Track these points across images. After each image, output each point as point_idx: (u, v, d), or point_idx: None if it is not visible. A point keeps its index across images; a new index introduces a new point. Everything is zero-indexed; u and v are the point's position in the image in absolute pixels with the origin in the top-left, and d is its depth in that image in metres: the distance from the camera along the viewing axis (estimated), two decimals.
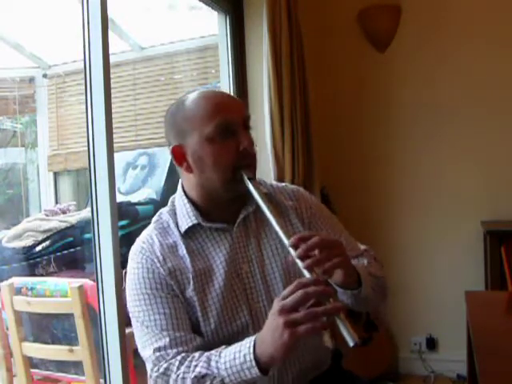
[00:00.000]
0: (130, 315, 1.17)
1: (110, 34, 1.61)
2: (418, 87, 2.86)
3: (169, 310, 1.11)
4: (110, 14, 1.61)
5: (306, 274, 0.99)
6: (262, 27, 2.25)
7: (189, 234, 1.18)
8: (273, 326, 0.95)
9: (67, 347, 1.99)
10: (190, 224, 1.17)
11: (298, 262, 1.00)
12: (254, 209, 1.19)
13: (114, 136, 1.60)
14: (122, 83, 3.25)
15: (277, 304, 0.96)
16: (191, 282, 1.13)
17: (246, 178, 1.12)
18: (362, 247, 1.32)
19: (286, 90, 2.24)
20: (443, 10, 2.80)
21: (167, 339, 1.08)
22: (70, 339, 2.03)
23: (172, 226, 1.20)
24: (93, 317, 1.87)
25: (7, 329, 2.11)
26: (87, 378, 1.94)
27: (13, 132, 3.45)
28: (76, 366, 2.03)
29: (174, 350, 1.08)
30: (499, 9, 2.71)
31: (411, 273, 2.90)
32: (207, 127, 1.11)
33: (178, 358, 1.06)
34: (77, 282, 1.98)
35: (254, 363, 0.97)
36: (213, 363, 1.02)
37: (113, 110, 1.60)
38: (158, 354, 1.08)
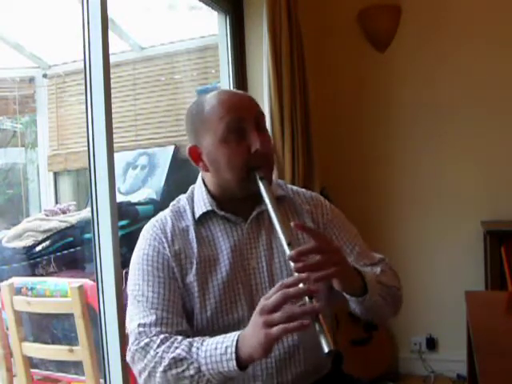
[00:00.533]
0: (127, 287, 1.19)
1: (110, 33, 1.61)
2: (417, 87, 2.86)
3: (163, 291, 1.13)
4: (110, 14, 1.62)
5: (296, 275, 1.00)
6: (262, 27, 2.25)
7: (202, 221, 1.21)
8: (253, 325, 0.97)
9: (67, 347, 1.99)
10: (205, 210, 1.20)
11: (291, 263, 1.01)
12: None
13: (114, 136, 1.60)
14: (122, 83, 3.25)
15: (260, 303, 0.98)
16: (194, 267, 1.15)
17: (257, 177, 1.14)
18: (378, 256, 1.32)
19: (285, 90, 2.24)
20: (443, 10, 2.80)
21: (154, 317, 1.10)
22: (70, 339, 2.03)
23: (188, 211, 1.23)
24: (93, 317, 1.87)
25: (7, 329, 2.11)
26: (87, 378, 1.94)
27: (13, 132, 3.45)
28: (76, 366, 2.03)
29: (158, 329, 1.09)
30: (499, 9, 2.71)
31: (411, 273, 2.90)
32: (219, 128, 1.15)
33: (161, 336, 1.08)
34: (77, 281, 1.98)
35: (233, 356, 0.98)
36: (194, 349, 1.03)
37: (113, 110, 1.60)
38: (141, 329, 1.10)
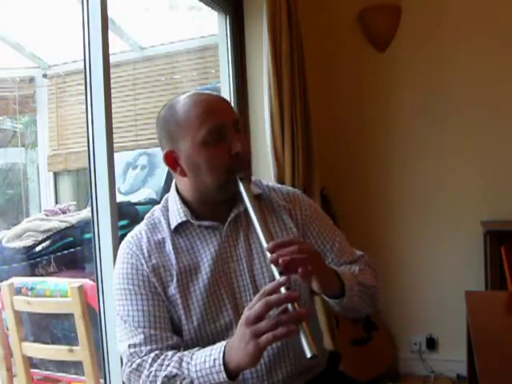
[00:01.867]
0: (114, 305, 1.19)
1: (110, 34, 1.61)
2: (417, 87, 2.86)
3: (147, 308, 1.13)
4: (110, 14, 1.62)
5: (277, 277, 1.00)
6: (262, 27, 2.25)
7: (178, 231, 1.19)
8: (239, 336, 0.97)
9: (67, 347, 1.99)
10: (180, 221, 1.18)
11: (272, 266, 1.01)
12: (245, 208, 1.19)
13: (114, 136, 1.60)
14: (122, 83, 3.25)
15: (244, 313, 0.98)
16: (174, 279, 1.14)
17: (238, 178, 1.14)
18: (358, 253, 1.32)
19: (285, 90, 2.24)
20: (443, 10, 2.80)
21: (142, 336, 1.10)
22: (70, 339, 2.03)
23: (163, 222, 1.21)
24: (93, 317, 1.87)
25: (7, 329, 2.11)
26: (87, 378, 1.94)
27: (13, 132, 3.45)
28: (76, 366, 2.03)
29: (148, 348, 1.10)
30: (499, 9, 2.71)
31: (411, 273, 2.90)
32: (200, 132, 1.12)
33: (152, 355, 1.08)
34: (77, 281, 1.98)
35: (222, 368, 0.99)
36: (184, 364, 1.04)
37: (113, 110, 1.60)
38: (132, 350, 1.11)
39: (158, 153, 3.06)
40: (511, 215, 2.70)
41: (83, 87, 1.60)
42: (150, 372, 1.06)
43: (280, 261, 0.99)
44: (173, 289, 1.14)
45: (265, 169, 2.30)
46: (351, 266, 1.25)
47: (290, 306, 0.96)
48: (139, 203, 2.63)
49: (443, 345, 2.90)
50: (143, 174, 3.01)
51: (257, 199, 1.19)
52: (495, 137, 2.75)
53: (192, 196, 1.20)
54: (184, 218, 1.18)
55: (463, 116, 2.78)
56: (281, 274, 1.00)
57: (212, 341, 1.11)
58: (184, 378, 1.03)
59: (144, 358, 1.09)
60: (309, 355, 0.91)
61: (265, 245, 1.04)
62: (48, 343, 2.09)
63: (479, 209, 2.77)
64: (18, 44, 3.17)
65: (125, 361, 1.12)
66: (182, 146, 1.14)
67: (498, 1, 2.72)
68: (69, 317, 1.98)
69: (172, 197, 1.24)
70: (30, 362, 2.10)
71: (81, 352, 1.93)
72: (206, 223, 1.19)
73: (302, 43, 2.36)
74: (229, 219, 1.20)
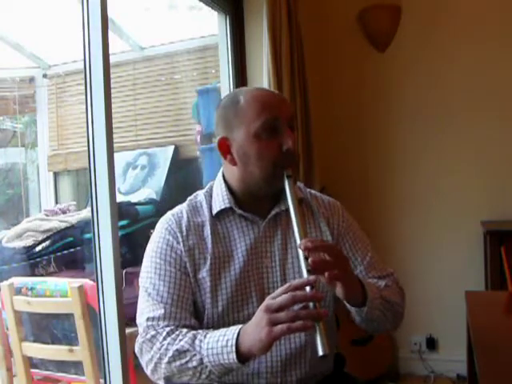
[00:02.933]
0: (140, 279, 1.21)
1: (110, 33, 1.61)
2: (417, 87, 2.86)
3: (173, 285, 1.15)
4: (110, 14, 1.61)
5: (305, 274, 1.01)
6: (262, 27, 2.25)
7: (219, 217, 1.22)
8: (256, 321, 0.99)
9: (67, 347, 1.99)
10: (223, 206, 1.21)
11: (301, 263, 1.03)
12: (287, 208, 1.21)
13: (114, 136, 1.60)
14: (122, 83, 3.25)
15: (266, 301, 0.99)
16: (207, 263, 1.17)
17: (285, 174, 1.16)
18: (388, 270, 1.33)
19: (286, 90, 2.24)
20: (443, 10, 2.80)
21: (162, 311, 1.12)
22: (70, 339, 2.03)
23: (204, 206, 1.24)
24: (93, 317, 1.87)
25: (7, 329, 2.11)
26: (87, 378, 1.94)
27: (13, 132, 3.45)
28: (76, 366, 2.03)
29: (165, 323, 1.12)
30: (499, 8, 2.71)
31: (411, 273, 2.90)
32: (254, 124, 1.15)
33: (167, 329, 1.10)
34: (77, 281, 1.98)
35: (233, 349, 1.00)
36: (197, 341, 1.06)
37: (113, 110, 1.60)
38: (150, 322, 1.12)
39: (158, 153, 3.06)
40: (511, 215, 2.70)
41: (83, 87, 1.60)
42: (162, 345, 1.08)
43: (310, 261, 1.01)
44: (204, 272, 1.16)
45: None
46: (378, 280, 1.27)
47: (311, 304, 0.97)
48: (139, 203, 2.63)
49: (443, 345, 2.90)
50: (143, 174, 3.01)
51: (298, 202, 1.20)
52: (495, 137, 2.75)
53: (238, 186, 1.22)
54: (228, 205, 1.21)
55: (463, 116, 2.79)
56: (308, 271, 1.01)
57: None
58: (194, 355, 1.04)
59: (159, 330, 1.10)
60: (321, 353, 0.93)
61: (298, 241, 1.06)
62: (48, 343, 2.09)
63: (479, 209, 2.77)
64: (18, 44, 3.17)
65: (140, 331, 1.14)
66: (235, 135, 1.18)
67: (499, 1, 2.72)
68: (69, 317, 1.97)
69: (218, 183, 1.26)
70: (30, 362, 2.10)
71: (81, 352, 1.93)
72: (247, 214, 1.22)
73: (301, 43, 2.36)
74: (269, 215, 1.22)
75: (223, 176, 1.26)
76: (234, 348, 1.00)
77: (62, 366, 2.10)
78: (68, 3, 2.86)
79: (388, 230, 2.94)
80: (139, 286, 1.21)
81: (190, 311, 1.16)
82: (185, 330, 1.10)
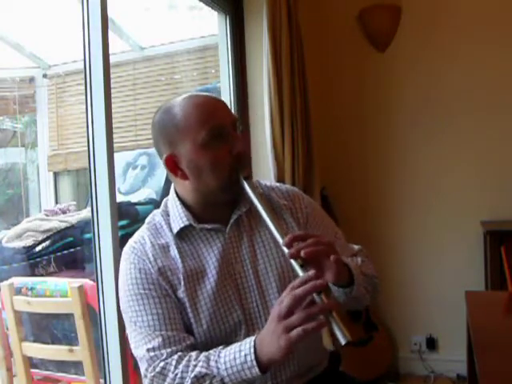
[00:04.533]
0: (123, 315, 1.18)
1: (110, 33, 1.61)
2: (417, 87, 2.86)
3: (161, 310, 1.12)
4: (110, 14, 1.61)
5: (299, 272, 1.01)
6: (262, 27, 2.25)
7: (181, 235, 1.19)
8: (271, 330, 0.98)
9: (67, 347, 1.99)
10: (182, 225, 1.18)
11: (292, 261, 1.02)
12: (247, 209, 1.21)
13: (114, 136, 1.60)
14: (122, 83, 3.25)
15: (274, 308, 0.99)
16: (182, 283, 1.14)
17: (241, 178, 1.14)
18: (356, 247, 1.33)
19: (285, 90, 2.24)
20: (443, 10, 2.80)
21: (160, 339, 1.10)
22: (70, 339, 2.03)
23: (165, 226, 1.20)
24: (93, 317, 1.87)
25: (7, 329, 2.11)
26: (87, 378, 1.94)
27: (13, 132, 3.45)
28: (76, 366, 2.03)
29: (168, 350, 1.09)
30: (499, 8, 2.71)
31: (411, 273, 2.90)
32: (200, 134, 1.12)
33: (175, 357, 1.07)
34: (77, 281, 1.98)
35: (255, 363, 0.99)
36: (212, 363, 1.04)
37: (113, 110, 1.60)
38: (152, 353, 1.09)
39: None
40: (511, 215, 2.70)
41: (83, 87, 1.60)
42: (176, 374, 1.05)
43: (302, 253, 1.00)
44: (181, 292, 1.14)
45: (265, 169, 2.30)
46: (353, 258, 1.26)
47: (317, 298, 0.97)
48: (139, 203, 2.63)
49: (443, 345, 2.90)
50: (143, 174, 3.01)
51: (263, 197, 1.19)
52: (496, 137, 2.75)
53: (193, 199, 1.19)
54: (186, 223, 1.18)
55: (463, 115, 2.78)
56: (302, 266, 1.01)
57: (222, 341, 1.11)
58: (214, 377, 1.03)
59: (167, 360, 1.07)
60: (343, 342, 0.92)
61: (280, 240, 1.05)
62: (48, 343, 2.09)
63: (479, 209, 2.77)
64: (18, 44, 3.17)
65: (145, 366, 1.10)
66: (181, 150, 1.14)
67: (499, 1, 2.72)
68: (69, 317, 1.97)
69: (172, 201, 1.22)
70: (30, 362, 2.10)
71: (81, 352, 1.93)
72: (209, 226, 1.19)
73: (301, 43, 2.36)
74: (231, 221, 1.20)
75: (176, 193, 1.22)
76: (254, 362, 1.00)
77: (61, 366, 2.11)
78: (68, 3, 2.86)
79: (388, 229, 2.94)
80: (124, 320, 1.18)
81: (185, 330, 1.14)
82: (194, 354, 1.07)
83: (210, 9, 2.45)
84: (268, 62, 2.22)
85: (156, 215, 1.24)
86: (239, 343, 1.04)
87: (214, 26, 2.54)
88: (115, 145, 1.60)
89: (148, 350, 1.10)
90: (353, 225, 2.67)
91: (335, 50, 2.98)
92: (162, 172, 2.95)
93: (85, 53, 1.57)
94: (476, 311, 1.57)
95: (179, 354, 1.08)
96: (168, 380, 1.06)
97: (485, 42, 2.73)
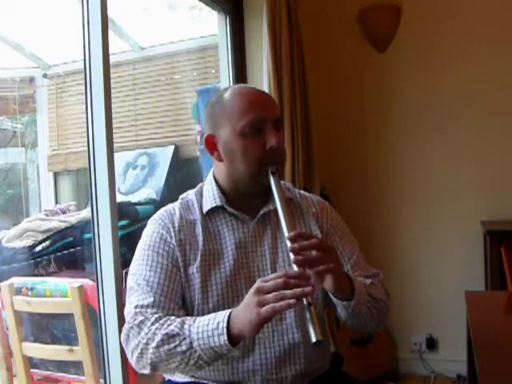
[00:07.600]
0: (128, 277, 1.21)
1: (110, 33, 1.61)
2: (417, 87, 2.86)
3: (164, 276, 1.16)
4: (110, 14, 1.62)
5: (295, 268, 1.03)
6: (262, 27, 2.25)
7: (209, 216, 1.24)
8: (246, 303, 1.01)
9: (67, 347, 1.99)
10: (214, 205, 1.23)
11: (291, 254, 1.05)
12: (275, 207, 1.21)
13: (114, 136, 1.60)
14: (122, 83, 3.25)
15: (257, 283, 1.01)
16: (198, 259, 1.18)
17: (269, 172, 1.17)
18: (373, 270, 1.34)
19: (285, 90, 2.24)
20: (443, 10, 2.80)
21: (151, 299, 1.13)
22: (69, 339, 2.03)
23: (196, 205, 1.26)
24: (93, 317, 1.87)
25: (7, 329, 2.11)
26: (87, 378, 1.94)
27: (13, 132, 3.45)
28: (76, 366, 2.03)
29: (154, 310, 1.12)
30: (500, 9, 2.71)
31: (411, 273, 2.90)
32: (240, 122, 1.18)
33: (156, 316, 1.11)
34: (77, 281, 1.98)
35: (225, 331, 1.01)
36: (186, 326, 1.06)
37: (113, 110, 1.60)
38: (138, 309, 1.13)
39: (158, 153, 3.06)
40: (511, 215, 2.70)
41: (83, 87, 1.60)
42: (150, 329, 1.08)
43: (293, 258, 1.03)
44: (194, 268, 1.18)
45: None
46: (364, 279, 1.27)
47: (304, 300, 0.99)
48: (139, 203, 2.63)
49: (443, 345, 2.90)
50: (143, 173, 3.01)
51: (286, 202, 1.21)
52: (496, 137, 2.75)
53: (227, 183, 1.25)
54: (219, 203, 1.23)
55: (463, 116, 2.78)
56: (296, 263, 1.04)
57: None
58: (184, 338, 1.05)
59: (148, 316, 1.11)
60: (314, 340, 0.94)
61: (286, 234, 1.07)
62: (48, 343, 2.09)
63: (479, 209, 2.77)
64: (18, 44, 3.17)
65: (127, 318, 1.14)
66: (221, 132, 1.20)
67: (499, 1, 2.72)
68: (69, 317, 1.97)
69: (208, 182, 1.28)
70: (30, 362, 2.10)
71: (81, 352, 1.93)
72: (237, 213, 1.24)
73: (302, 43, 2.36)
74: (258, 215, 1.24)
75: (214, 175, 1.28)
76: (225, 330, 1.01)
77: (61, 365, 2.10)
78: (68, 3, 2.86)
79: (388, 230, 2.94)
80: (127, 282, 1.21)
81: (179, 304, 1.17)
82: (173, 317, 1.10)
83: (209, 9, 2.45)
84: (268, 62, 2.22)
85: (190, 194, 1.30)
86: (217, 312, 1.07)
87: (213, 25, 2.54)
88: (115, 145, 1.61)
89: (136, 306, 1.14)
90: (352, 225, 2.66)
91: (335, 50, 2.98)
92: (162, 172, 2.96)
93: (85, 53, 1.58)
94: (476, 311, 1.57)
95: (160, 314, 1.11)
96: (142, 334, 1.09)
97: (485, 42, 2.73)
